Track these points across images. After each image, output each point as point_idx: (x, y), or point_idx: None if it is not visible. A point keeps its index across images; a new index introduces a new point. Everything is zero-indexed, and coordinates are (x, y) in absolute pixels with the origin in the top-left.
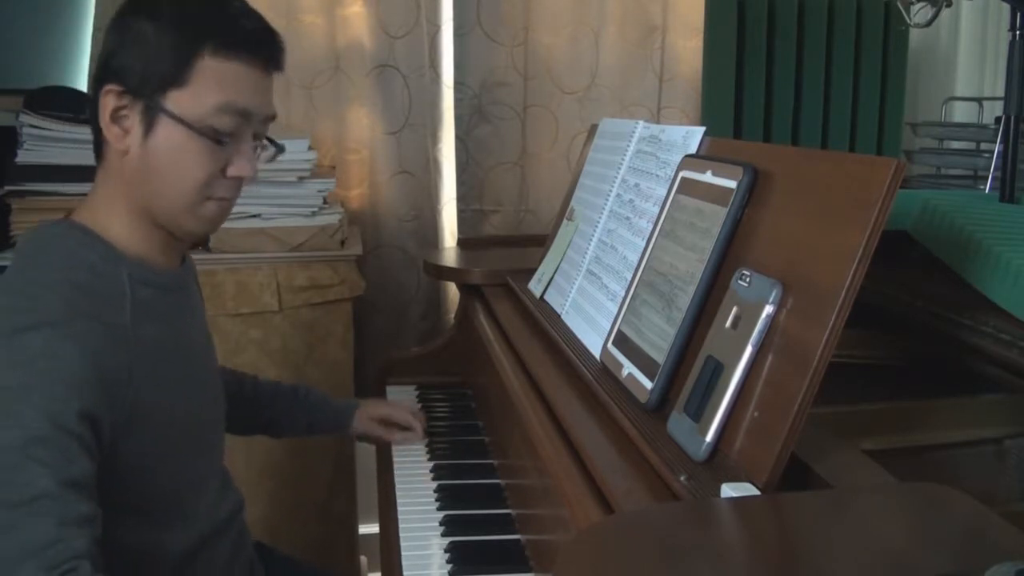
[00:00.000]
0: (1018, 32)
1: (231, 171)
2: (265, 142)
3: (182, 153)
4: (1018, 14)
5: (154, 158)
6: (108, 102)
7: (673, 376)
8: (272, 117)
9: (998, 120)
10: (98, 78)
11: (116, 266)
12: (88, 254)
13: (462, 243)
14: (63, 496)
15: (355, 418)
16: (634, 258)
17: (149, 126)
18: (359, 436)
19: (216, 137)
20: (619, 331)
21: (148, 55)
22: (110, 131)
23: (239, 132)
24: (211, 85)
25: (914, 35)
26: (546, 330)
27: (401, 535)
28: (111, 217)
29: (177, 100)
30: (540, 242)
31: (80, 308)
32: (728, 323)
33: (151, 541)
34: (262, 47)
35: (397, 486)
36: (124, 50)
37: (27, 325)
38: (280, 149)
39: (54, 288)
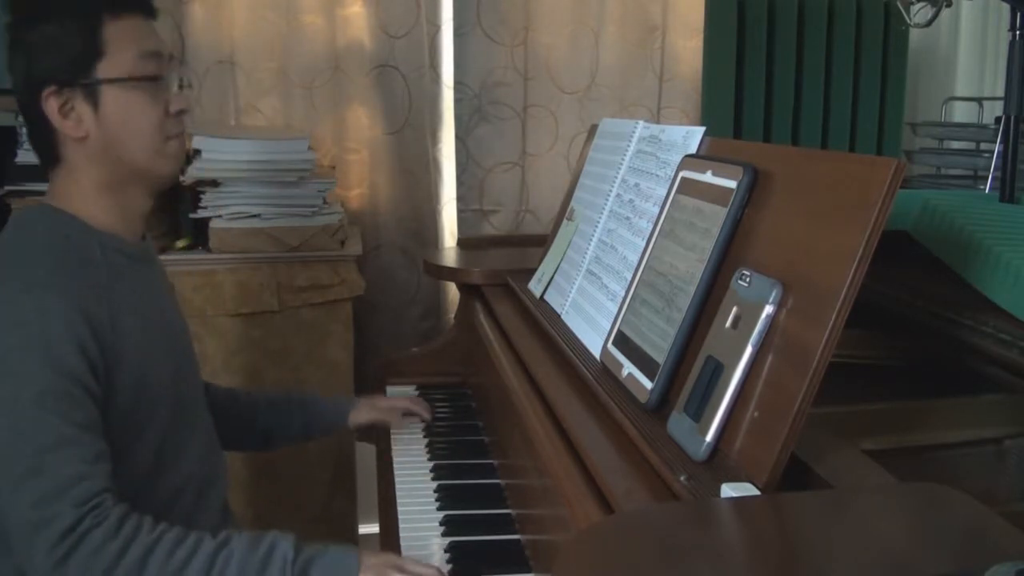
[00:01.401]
0: (1018, 32)
1: (173, 107)
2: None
3: (131, 107)
4: (1018, 14)
5: (112, 124)
6: (52, 104)
7: (673, 376)
8: (172, 55)
9: (998, 120)
10: (29, 93)
11: (88, 237)
12: (63, 228)
13: (462, 243)
14: (79, 437)
15: (353, 410)
16: (634, 258)
17: (95, 103)
18: (359, 428)
19: (151, 79)
20: (619, 331)
21: (62, 47)
22: (65, 126)
23: (161, 73)
24: (123, 42)
25: (914, 35)
26: (546, 330)
27: (401, 535)
28: (78, 199)
29: (106, 68)
30: (540, 242)
31: (62, 269)
32: (728, 323)
33: (132, 492)
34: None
35: (397, 486)
36: (38, 57)
37: (18, 289)
38: (188, 84)
39: (37, 256)
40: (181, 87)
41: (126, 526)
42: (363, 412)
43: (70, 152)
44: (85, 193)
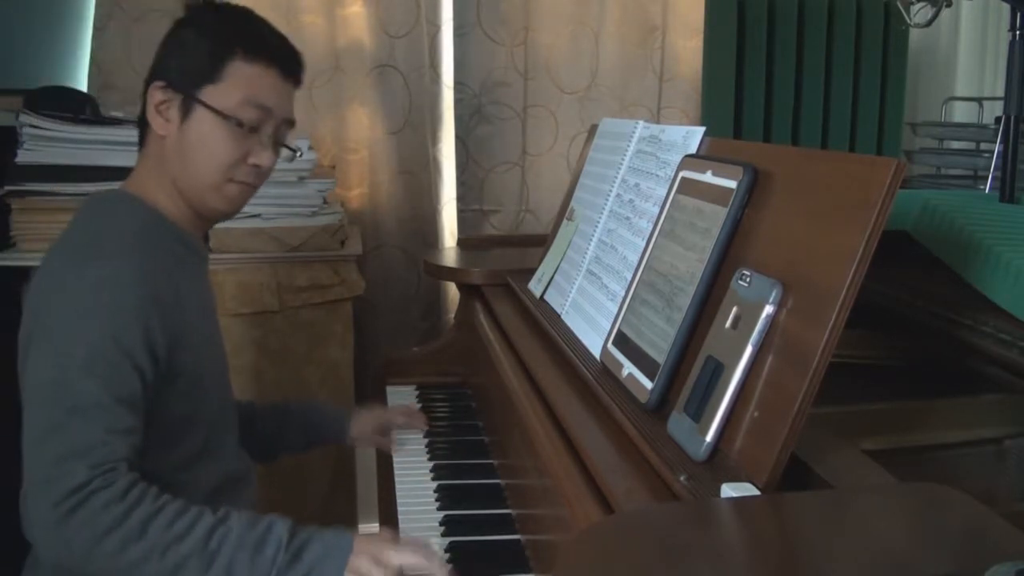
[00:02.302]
0: (1018, 32)
1: (252, 159)
2: (286, 145)
3: (210, 138)
4: (1018, 14)
5: (187, 141)
6: (154, 96)
7: (673, 376)
8: (292, 123)
9: (998, 120)
10: (148, 79)
11: (160, 223)
12: (139, 212)
13: (462, 243)
14: (113, 408)
15: (351, 427)
16: (634, 258)
17: (185, 115)
18: (357, 445)
19: (239, 124)
20: (619, 331)
21: (188, 56)
22: (155, 120)
23: (261, 126)
24: (240, 83)
25: (914, 35)
26: (546, 330)
27: (401, 535)
28: (153, 188)
29: (211, 94)
30: (540, 242)
31: (136, 246)
32: (728, 323)
33: (179, 478)
34: (284, 57)
35: (397, 486)
36: (170, 54)
37: (94, 257)
38: (295, 153)
39: (114, 232)
40: (278, 152)
41: (132, 492)
42: (359, 433)
43: (152, 142)
44: (158, 184)
